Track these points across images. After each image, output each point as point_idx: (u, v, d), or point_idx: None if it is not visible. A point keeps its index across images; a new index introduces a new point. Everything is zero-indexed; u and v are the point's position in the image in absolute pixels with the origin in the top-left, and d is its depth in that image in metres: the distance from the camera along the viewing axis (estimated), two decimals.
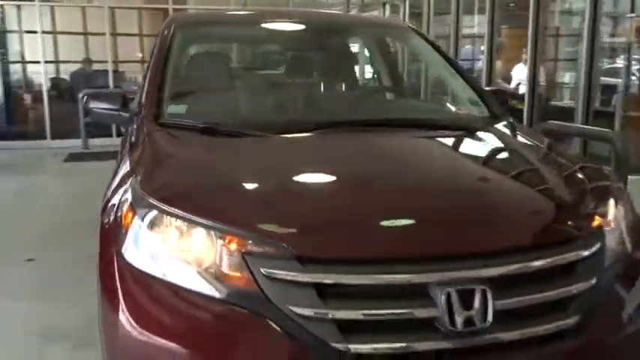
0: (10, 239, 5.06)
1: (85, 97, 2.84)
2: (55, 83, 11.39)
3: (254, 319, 1.65)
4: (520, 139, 2.66)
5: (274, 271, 1.66)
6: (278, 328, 1.63)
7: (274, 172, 2.07)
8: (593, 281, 1.84)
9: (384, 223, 1.81)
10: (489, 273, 1.71)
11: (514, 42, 11.37)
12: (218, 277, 1.71)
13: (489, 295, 1.68)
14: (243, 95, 2.96)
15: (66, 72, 11.73)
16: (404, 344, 1.64)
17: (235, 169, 2.08)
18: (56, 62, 11.84)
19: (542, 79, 9.25)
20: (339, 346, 1.61)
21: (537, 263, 1.77)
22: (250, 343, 1.66)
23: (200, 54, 3.18)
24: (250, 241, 1.71)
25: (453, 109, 3.20)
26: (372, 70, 3.58)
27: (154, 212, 1.82)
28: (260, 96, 2.95)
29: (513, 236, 1.84)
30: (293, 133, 2.39)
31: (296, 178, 2.05)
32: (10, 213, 6.06)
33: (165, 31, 3.05)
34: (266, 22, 3.29)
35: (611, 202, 2.10)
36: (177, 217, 1.80)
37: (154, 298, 1.76)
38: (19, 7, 11.89)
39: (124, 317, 1.74)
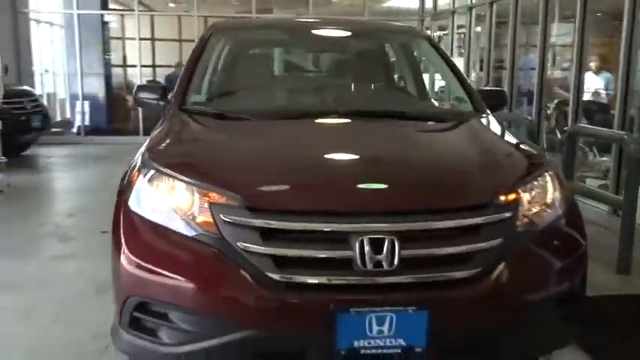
0: (94, 216, 5.87)
1: (135, 88, 3.46)
2: None
3: (213, 252, 2.14)
4: (484, 128, 3.01)
5: (230, 217, 2.15)
6: (229, 260, 2.12)
7: (247, 145, 2.60)
8: (498, 242, 2.19)
9: (315, 184, 2.28)
10: (397, 227, 2.11)
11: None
12: (192, 221, 2.22)
13: (397, 245, 2.09)
14: (253, 89, 3.49)
15: (162, 75, 12.81)
16: (324, 277, 2.09)
17: (220, 143, 2.64)
18: (152, 67, 12.95)
19: (611, 87, 9.18)
20: (273, 275, 2.08)
21: (440, 223, 2.16)
22: (210, 269, 2.16)
23: (228, 54, 3.73)
24: (216, 195, 2.21)
25: (437, 104, 3.57)
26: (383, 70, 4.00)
27: (152, 171, 2.37)
28: (267, 90, 3.49)
29: (422, 200, 2.24)
30: (282, 119, 2.89)
31: (261, 150, 2.55)
32: (99, 195, 6.91)
33: (203, 35, 3.64)
34: (288, 29, 3.81)
35: (537, 179, 2.43)
36: (168, 175, 2.33)
37: (146, 234, 2.30)
38: (122, 16, 13.13)
39: (124, 248, 2.29)
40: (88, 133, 11.64)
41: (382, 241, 2.09)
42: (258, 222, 2.13)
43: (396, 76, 4.03)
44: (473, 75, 9.99)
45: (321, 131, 2.80)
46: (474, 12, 9.41)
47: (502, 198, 2.28)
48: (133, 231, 2.33)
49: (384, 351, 2.10)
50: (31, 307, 3.70)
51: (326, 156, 2.51)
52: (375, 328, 2.08)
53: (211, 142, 2.67)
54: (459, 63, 10.30)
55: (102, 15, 12.08)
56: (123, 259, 2.27)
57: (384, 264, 2.08)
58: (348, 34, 3.84)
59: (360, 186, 2.27)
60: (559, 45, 10.35)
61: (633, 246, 4.41)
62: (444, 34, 11.16)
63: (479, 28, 9.33)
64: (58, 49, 13.91)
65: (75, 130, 11.92)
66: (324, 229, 2.12)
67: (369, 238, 2.09)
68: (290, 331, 2.09)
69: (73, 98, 12.18)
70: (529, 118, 6.35)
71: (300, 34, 3.83)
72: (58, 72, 14.03)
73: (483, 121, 3.10)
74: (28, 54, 11.70)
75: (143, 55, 12.00)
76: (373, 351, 2.09)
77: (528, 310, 2.25)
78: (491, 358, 2.39)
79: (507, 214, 2.25)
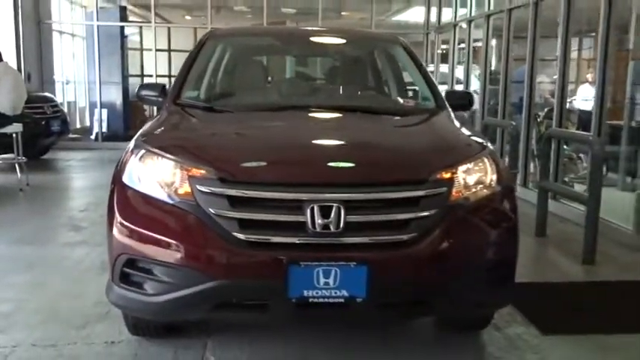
0: (104, 210, 6.30)
1: (139, 87, 3.92)
2: None
3: (190, 217, 2.57)
4: (438, 121, 3.42)
5: (204, 187, 2.57)
6: (203, 222, 2.54)
7: (225, 131, 3.08)
8: (432, 212, 2.58)
9: (276, 160, 2.72)
10: (343, 197, 2.51)
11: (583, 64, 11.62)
12: (174, 191, 2.64)
13: (342, 211, 2.49)
14: (241, 87, 3.96)
15: None
16: (281, 237, 2.50)
17: (202, 128, 3.14)
18: (168, 76, 13.52)
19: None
20: (238, 234, 2.49)
21: (380, 194, 2.57)
22: (187, 230, 2.58)
23: (221, 57, 4.20)
24: (194, 169, 2.63)
25: (402, 101, 3.98)
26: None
27: (143, 151, 2.81)
28: (252, 88, 3.94)
29: (366, 174, 2.65)
30: (259, 111, 3.37)
31: (235, 134, 3.02)
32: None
33: (201, 39, 4.11)
34: (277, 36, 4.28)
35: (474, 162, 2.82)
36: (156, 154, 2.77)
37: (135, 203, 2.74)
38: (140, 28, 13.73)
39: (117, 214, 2.72)
40: (106, 139, 12.18)
41: (330, 208, 2.50)
42: (227, 191, 2.55)
43: (372, 78, 4.45)
44: (476, 85, 10.33)
45: (288, 120, 3.26)
46: (472, 25, 9.81)
47: (438, 176, 2.68)
48: (125, 200, 2.76)
49: (330, 300, 2.50)
50: (43, 282, 4.16)
51: (287, 138, 2.97)
52: (322, 280, 2.48)
53: (195, 128, 3.16)
54: (460, 74, 10.70)
55: (121, 27, 12.64)
56: (115, 224, 2.71)
57: (331, 227, 2.49)
58: (331, 41, 4.29)
59: (313, 162, 2.70)
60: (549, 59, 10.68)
61: (597, 238, 4.74)
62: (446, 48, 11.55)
63: (479, 43, 9.69)
64: (79, 59, 14.56)
65: (93, 136, 12.48)
66: (281, 198, 2.54)
67: (319, 206, 2.49)
68: (251, 281, 2.51)
69: (93, 106, 12.74)
70: (513, 123, 6.73)
71: (286, 41, 4.30)
72: (79, 81, 14.66)
73: (440, 116, 3.50)
74: (50, 63, 12.33)
75: (159, 66, 12.56)
76: (321, 300, 2.50)
77: (459, 271, 2.63)
78: (430, 313, 2.79)
79: (442, 189, 2.65)
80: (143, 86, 3.91)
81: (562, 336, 3.39)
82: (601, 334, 3.39)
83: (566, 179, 7.50)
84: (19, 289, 4.01)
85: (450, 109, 3.62)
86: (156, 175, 2.72)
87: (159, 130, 3.15)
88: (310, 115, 3.35)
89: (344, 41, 4.33)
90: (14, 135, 7.52)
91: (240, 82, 3.96)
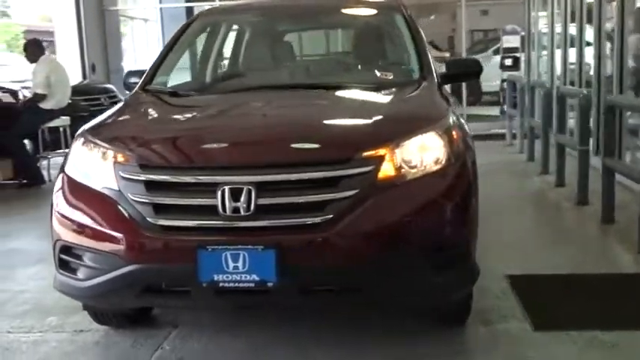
0: None
1: (125, 74, 4.40)
2: None
3: (112, 203, 2.98)
4: (406, 94, 3.59)
5: (124, 173, 2.97)
6: (122, 208, 2.94)
7: (164, 115, 3.57)
8: (353, 193, 2.80)
9: (188, 143, 3.10)
10: (253, 179, 2.81)
11: None
12: (101, 178, 3.06)
13: (253, 194, 2.78)
14: (212, 68, 4.33)
15: None
16: (193, 221, 2.86)
17: (145, 115, 3.57)
18: None
19: None
20: (152, 220, 2.87)
21: (292, 175, 2.83)
22: (107, 217, 3.00)
23: (205, 38, 4.58)
24: (118, 156, 3.04)
25: (379, 74, 4.12)
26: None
27: (82, 139, 3.27)
28: (222, 70, 4.29)
29: (278, 155, 2.93)
30: (219, 94, 3.80)
31: (168, 119, 3.46)
32: None
33: (188, 21, 4.53)
34: (260, 13, 4.63)
35: (417, 137, 2.99)
36: (91, 142, 3.21)
37: (70, 191, 3.19)
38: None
39: (55, 203, 3.20)
40: None
41: (240, 190, 2.80)
42: (142, 176, 2.94)
43: (356, 51, 4.65)
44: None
45: (233, 102, 3.63)
46: None
47: (365, 154, 2.88)
48: (63, 188, 3.24)
49: (241, 285, 2.81)
50: (45, 275, 4.74)
51: (209, 121, 3.38)
52: (231, 264, 2.79)
53: (139, 115, 3.60)
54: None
55: (186, 8, 13.43)
56: (54, 212, 3.20)
57: (241, 210, 2.79)
58: (326, 13, 4.55)
59: (225, 144, 3.04)
60: None
61: None
62: None
63: None
64: (153, 46, 15.64)
65: None
66: (191, 181, 2.90)
67: (230, 188, 2.81)
68: (164, 266, 2.89)
69: None
70: (584, 91, 6.48)
71: (273, 18, 4.61)
72: None
73: (414, 88, 3.65)
74: (117, 52, 13.42)
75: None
76: (231, 284, 2.81)
77: (386, 255, 2.83)
78: (365, 300, 3.01)
79: (367, 169, 2.85)
80: (130, 73, 4.39)
81: (554, 332, 3.44)
82: (598, 331, 3.41)
83: None
84: (20, 282, 4.68)
85: (434, 80, 3.75)
86: (88, 163, 3.16)
87: (105, 118, 3.60)
88: (260, 95, 3.68)
89: (340, 12, 4.58)
90: (61, 129, 8.38)
91: (215, 64, 4.34)
